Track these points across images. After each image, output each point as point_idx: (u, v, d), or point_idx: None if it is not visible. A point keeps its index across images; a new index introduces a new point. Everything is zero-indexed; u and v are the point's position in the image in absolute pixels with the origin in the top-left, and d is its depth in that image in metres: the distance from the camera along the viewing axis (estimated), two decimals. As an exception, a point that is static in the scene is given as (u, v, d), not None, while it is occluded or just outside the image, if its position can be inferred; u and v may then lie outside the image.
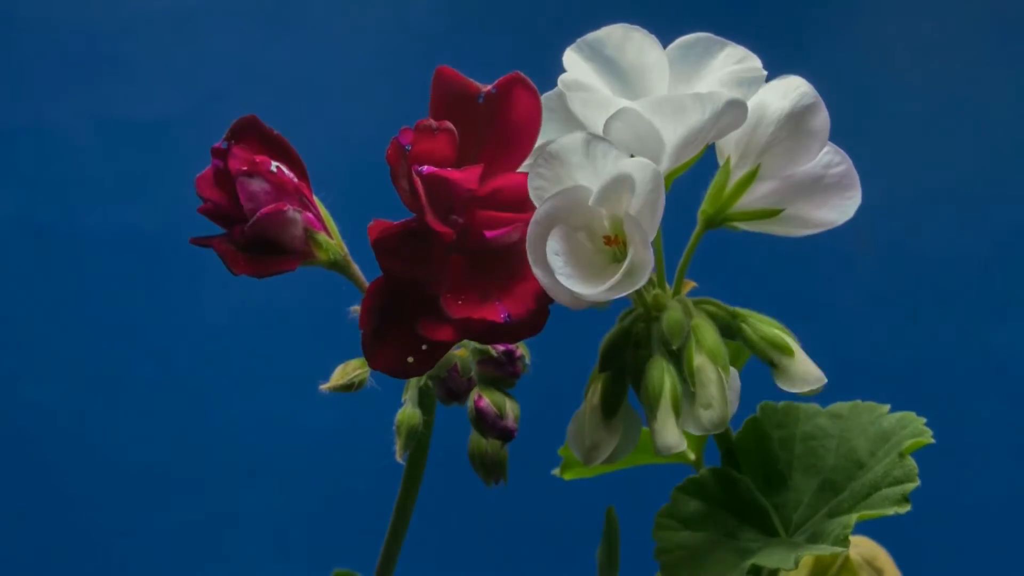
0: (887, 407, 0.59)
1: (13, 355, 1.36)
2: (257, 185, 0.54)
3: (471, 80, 0.53)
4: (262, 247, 0.54)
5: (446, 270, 0.51)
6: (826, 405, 0.62)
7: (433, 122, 0.51)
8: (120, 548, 1.33)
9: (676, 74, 0.53)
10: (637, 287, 0.49)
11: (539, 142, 0.53)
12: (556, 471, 0.71)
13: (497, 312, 0.49)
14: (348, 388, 0.57)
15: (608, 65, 0.52)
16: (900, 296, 1.36)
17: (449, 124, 0.51)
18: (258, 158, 0.55)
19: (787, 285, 1.30)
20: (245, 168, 0.54)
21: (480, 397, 0.58)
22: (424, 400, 0.59)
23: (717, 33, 0.54)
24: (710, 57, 0.53)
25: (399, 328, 0.51)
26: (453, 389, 0.57)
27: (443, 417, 0.61)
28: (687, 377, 0.52)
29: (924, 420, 0.57)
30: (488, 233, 0.50)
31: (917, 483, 0.54)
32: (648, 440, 0.69)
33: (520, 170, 0.53)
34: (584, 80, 0.52)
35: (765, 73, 0.52)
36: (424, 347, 0.50)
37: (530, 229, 0.49)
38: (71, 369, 1.36)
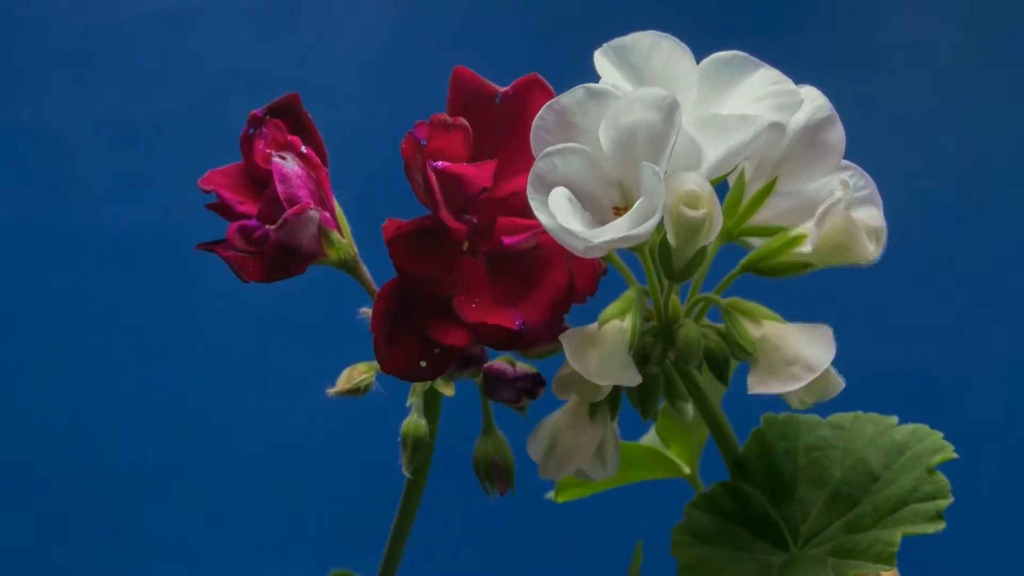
0: (893, 419, 0.59)
1: (12, 355, 1.36)
2: (290, 167, 0.53)
3: (488, 81, 0.53)
4: (281, 251, 0.53)
5: (460, 271, 0.51)
6: (825, 411, 0.61)
7: (448, 117, 0.51)
8: (120, 548, 1.33)
9: (706, 88, 0.52)
10: (647, 229, 0.47)
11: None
12: (550, 495, 0.70)
13: (512, 319, 0.49)
14: (355, 392, 0.56)
15: (634, 72, 0.52)
16: (898, 297, 1.36)
17: (463, 121, 0.51)
18: (290, 138, 0.55)
19: (787, 286, 1.29)
20: (276, 149, 0.54)
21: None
22: (429, 406, 0.59)
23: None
24: (744, 76, 0.52)
25: (411, 331, 0.50)
26: (468, 355, 0.55)
27: (447, 418, 0.61)
28: (747, 349, 0.51)
29: (941, 434, 0.57)
30: (506, 239, 0.50)
31: (950, 500, 0.54)
32: (640, 457, 0.69)
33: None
34: (620, 87, 0.52)
35: (802, 99, 0.52)
36: (436, 351, 0.50)
37: (531, 178, 0.48)
38: (71, 369, 1.35)
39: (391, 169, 0.53)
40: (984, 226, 1.37)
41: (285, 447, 1.34)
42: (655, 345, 0.53)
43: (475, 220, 0.51)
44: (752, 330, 0.52)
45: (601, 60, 0.52)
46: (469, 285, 0.50)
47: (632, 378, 0.51)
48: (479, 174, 0.51)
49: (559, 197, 0.48)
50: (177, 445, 1.34)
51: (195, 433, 1.35)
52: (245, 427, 1.35)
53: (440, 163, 0.50)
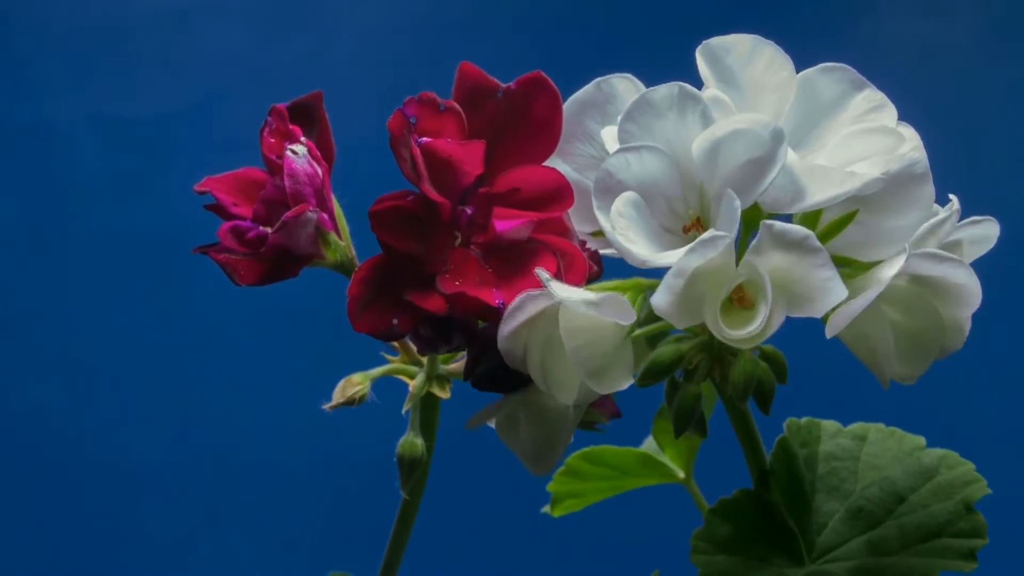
0: (920, 440, 0.58)
1: (12, 355, 1.36)
2: (300, 164, 0.53)
3: (491, 77, 0.53)
4: (278, 253, 0.53)
5: (446, 253, 0.50)
6: (832, 411, 0.61)
7: (438, 98, 0.50)
8: (119, 548, 1.33)
9: (805, 102, 0.51)
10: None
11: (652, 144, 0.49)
12: (545, 508, 0.70)
13: (492, 296, 0.48)
14: (350, 404, 0.56)
15: (729, 74, 0.50)
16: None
17: (456, 105, 0.51)
18: (291, 127, 0.54)
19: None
20: (279, 138, 0.54)
21: None
22: (426, 412, 0.58)
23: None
24: (847, 97, 0.51)
25: (388, 301, 0.50)
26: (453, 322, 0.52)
27: (446, 417, 0.60)
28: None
29: (972, 465, 0.56)
30: (499, 224, 0.50)
31: (986, 541, 0.53)
32: (633, 463, 0.68)
33: (546, 164, 0.52)
34: (713, 90, 0.50)
35: (905, 154, 0.50)
36: (409, 311, 0.49)
37: (600, 174, 0.47)
38: (71, 369, 1.35)
39: (392, 170, 0.53)
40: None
41: (285, 448, 1.34)
42: (701, 361, 0.50)
43: (469, 212, 0.50)
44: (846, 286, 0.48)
45: (698, 57, 0.50)
46: (456, 267, 0.50)
47: (615, 382, 0.48)
48: (466, 155, 0.50)
49: (625, 205, 0.46)
50: (177, 446, 1.34)
51: (195, 434, 1.35)
52: (245, 428, 1.35)
53: (424, 139, 0.49)
